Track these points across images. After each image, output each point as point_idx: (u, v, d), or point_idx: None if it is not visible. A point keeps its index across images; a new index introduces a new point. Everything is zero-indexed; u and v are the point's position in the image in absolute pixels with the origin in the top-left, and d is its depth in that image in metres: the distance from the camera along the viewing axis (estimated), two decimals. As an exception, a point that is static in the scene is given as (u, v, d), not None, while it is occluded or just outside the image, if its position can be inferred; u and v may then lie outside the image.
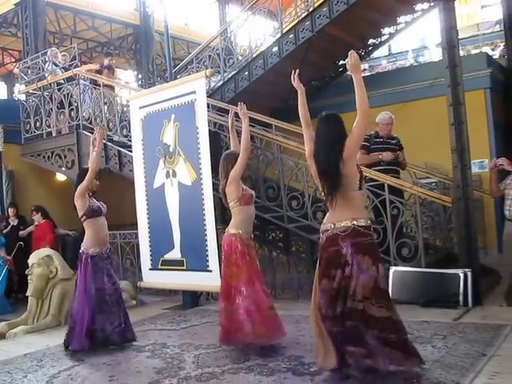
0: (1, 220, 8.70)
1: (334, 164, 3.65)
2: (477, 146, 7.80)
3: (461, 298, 5.72)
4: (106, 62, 10.22)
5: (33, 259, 6.68)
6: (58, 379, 4.32)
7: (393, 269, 6.09)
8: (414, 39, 18.01)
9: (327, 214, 3.80)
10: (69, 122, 9.17)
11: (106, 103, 8.80)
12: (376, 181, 6.37)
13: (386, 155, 6.70)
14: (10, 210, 9.22)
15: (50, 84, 9.43)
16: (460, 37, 15.06)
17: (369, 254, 3.61)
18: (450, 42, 6.05)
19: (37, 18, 10.67)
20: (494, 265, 7.15)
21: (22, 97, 10.53)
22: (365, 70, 16.63)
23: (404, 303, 5.82)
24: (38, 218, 8.75)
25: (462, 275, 5.78)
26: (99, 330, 5.13)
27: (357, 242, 3.62)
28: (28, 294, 6.59)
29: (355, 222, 3.64)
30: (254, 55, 9.63)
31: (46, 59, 9.60)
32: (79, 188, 5.24)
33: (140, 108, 6.97)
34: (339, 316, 3.58)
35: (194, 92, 6.31)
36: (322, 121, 3.85)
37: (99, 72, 9.71)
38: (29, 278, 6.58)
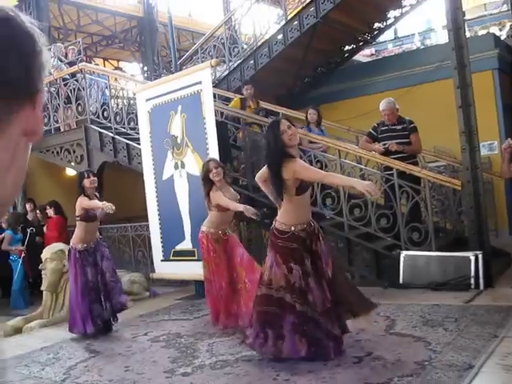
0: (18, 216, 8.76)
1: None
2: (486, 127, 7.76)
3: (472, 281, 5.71)
4: (244, 92, 8.41)
5: (46, 254, 6.75)
6: (75, 371, 4.38)
7: (404, 253, 6.09)
8: (420, 22, 17.88)
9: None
10: (76, 117, 9.21)
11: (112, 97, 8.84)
12: (390, 169, 6.34)
13: (377, 148, 6.65)
14: (28, 206, 9.42)
15: (56, 79, 9.46)
16: (467, 18, 14.94)
17: (279, 254, 4.00)
18: (456, 23, 5.99)
19: (40, 14, 10.70)
20: (505, 247, 7.12)
21: (29, 93, 10.55)
22: (372, 54, 16.57)
23: (415, 287, 5.86)
24: (50, 213, 8.81)
25: (472, 258, 5.76)
26: (97, 317, 5.45)
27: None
28: (42, 288, 6.66)
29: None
30: (259, 43, 9.61)
31: (51, 55, 9.62)
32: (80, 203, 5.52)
33: (147, 100, 6.99)
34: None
35: (199, 82, 6.32)
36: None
37: (245, 100, 8.22)
38: (43, 272, 6.66)
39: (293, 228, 3.96)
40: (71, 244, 5.63)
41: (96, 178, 5.61)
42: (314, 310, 3.86)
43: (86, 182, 5.50)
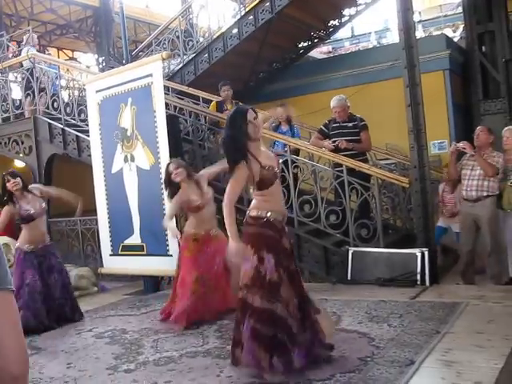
0: None
1: None
2: (436, 126, 7.90)
3: (418, 277, 5.79)
4: (222, 94, 8.03)
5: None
6: (14, 368, 4.24)
7: (351, 249, 6.14)
8: (377, 21, 18.12)
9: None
10: (31, 106, 8.93)
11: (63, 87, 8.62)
12: (341, 165, 6.37)
13: (327, 145, 6.69)
14: None
15: (5, 68, 9.18)
16: (423, 18, 15.07)
17: (251, 243, 3.61)
18: (406, 23, 6.05)
19: (-10, 0, 10.37)
20: (452, 244, 7.27)
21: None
22: (329, 52, 16.72)
23: (363, 283, 5.91)
24: None
25: (419, 254, 5.84)
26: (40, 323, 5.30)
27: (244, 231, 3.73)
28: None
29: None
30: (215, 37, 9.53)
31: (23, 44, 9.33)
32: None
33: (97, 92, 6.84)
34: None
35: (150, 75, 6.22)
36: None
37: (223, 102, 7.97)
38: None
39: (269, 214, 3.58)
40: (16, 245, 5.51)
41: (17, 180, 5.40)
42: (285, 307, 3.46)
43: (9, 186, 5.36)
